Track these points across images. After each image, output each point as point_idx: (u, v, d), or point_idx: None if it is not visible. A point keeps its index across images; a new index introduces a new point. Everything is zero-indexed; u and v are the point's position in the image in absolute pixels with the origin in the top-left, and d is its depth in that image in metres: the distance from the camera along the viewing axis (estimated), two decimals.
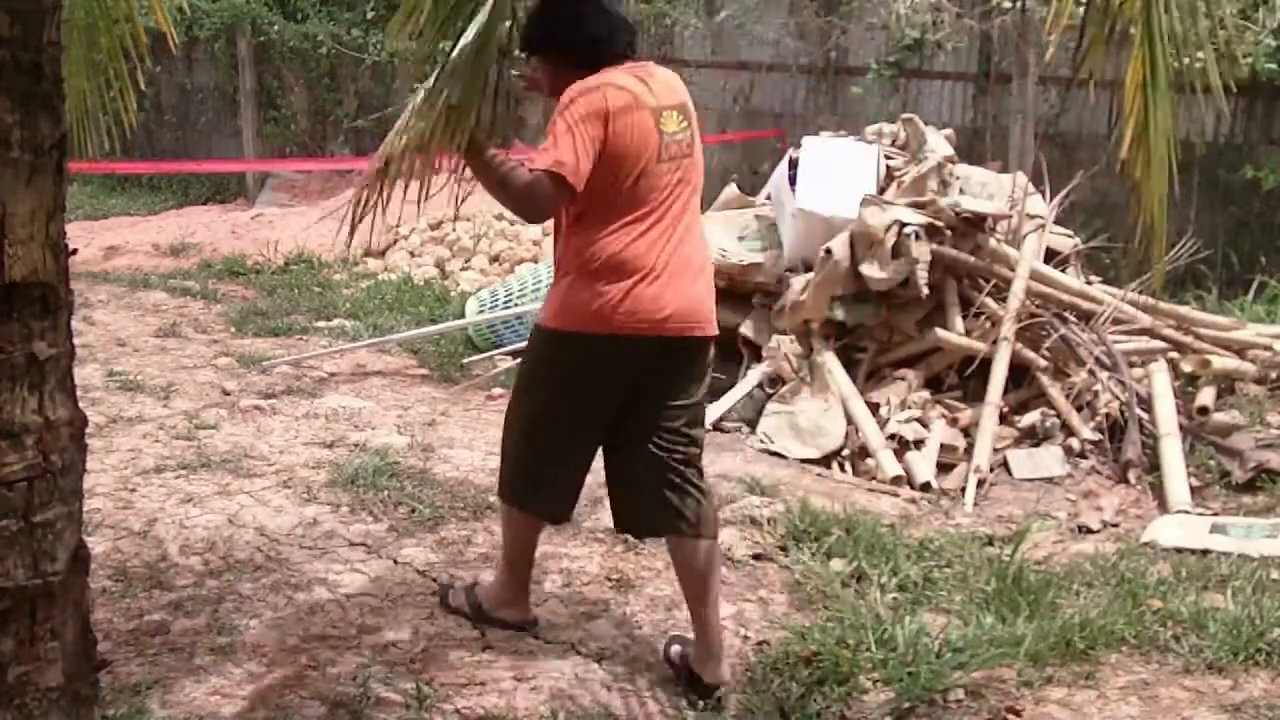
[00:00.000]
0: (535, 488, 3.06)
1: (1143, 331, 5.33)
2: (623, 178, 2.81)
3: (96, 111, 3.51)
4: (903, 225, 4.92)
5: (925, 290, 4.91)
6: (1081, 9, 2.45)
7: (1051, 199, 5.96)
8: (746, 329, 5.51)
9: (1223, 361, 5.20)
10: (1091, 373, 4.92)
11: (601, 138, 2.76)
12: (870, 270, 4.96)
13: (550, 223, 3.08)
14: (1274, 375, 5.22)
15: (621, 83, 2.83)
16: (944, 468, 4.66)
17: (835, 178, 5.49)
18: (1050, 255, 5.62)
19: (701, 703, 2.90)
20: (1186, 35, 2.35)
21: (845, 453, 4.79)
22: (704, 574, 2.98)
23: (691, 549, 2.96)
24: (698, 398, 3.03)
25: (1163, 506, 4.31)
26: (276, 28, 10.81)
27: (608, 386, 2.94)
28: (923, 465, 4.58)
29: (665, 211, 2.88)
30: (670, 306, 2.86)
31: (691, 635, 3.05)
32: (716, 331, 3.03)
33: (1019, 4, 7.49)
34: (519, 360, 3.11)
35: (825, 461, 4.77)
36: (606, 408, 2.97)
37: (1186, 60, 2.34)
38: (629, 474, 3.01)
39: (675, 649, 3.08)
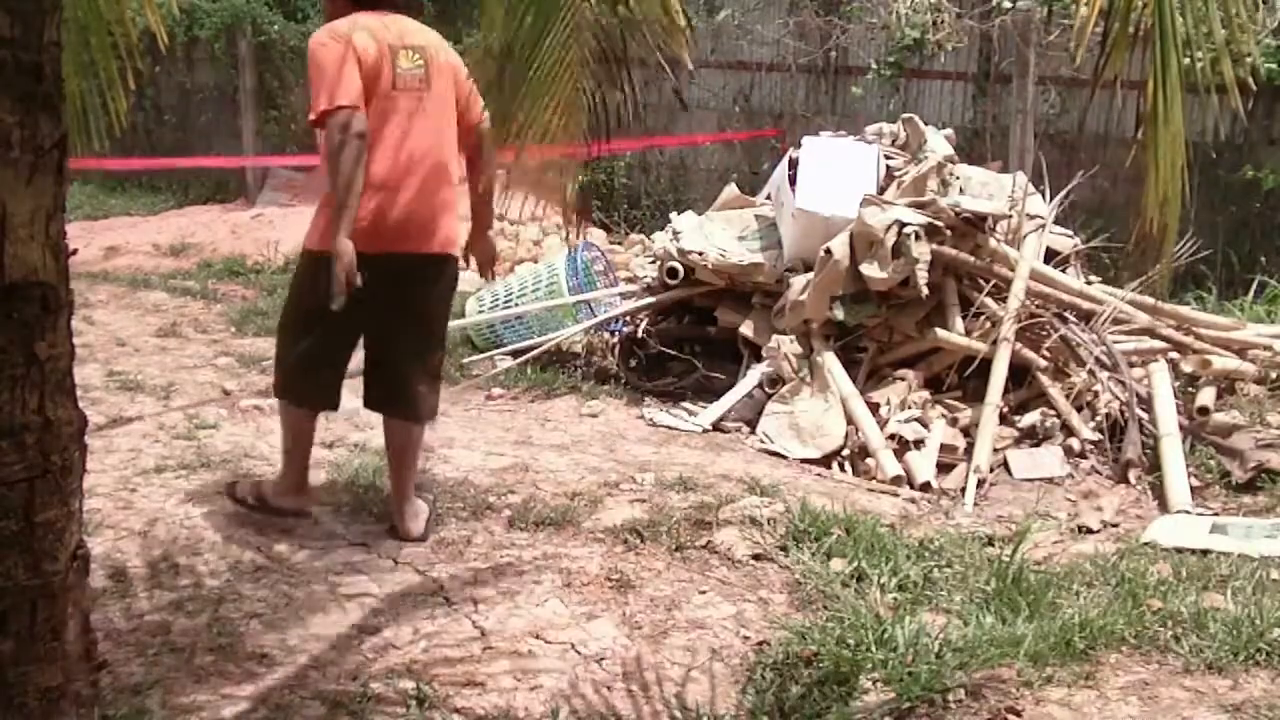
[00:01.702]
0: (309, 386, 3.67)
1: (1143, 331, 5.33)
2: (366, 103, 3.36)
3: (89, 112, 3.50)
4: (903, 225, 4.92)
5: (925, 290, 4.90)
6: (1093, 11, 2.44)
7: (1051, 199, 5.96)
8: (746, 329, 5.51)
9: (1223, 361, 5.19)
10: (1091, 373, 4.92)
11: (356, 70, 3.34)
12: (870, 270, 4.96)
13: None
14: (1274, 375, 5.22)
15: (365, 23, 3.45)
16: (944, 468, 4.66)
17: (835, 178, 5.49)
18: (1050, 255, 5.62)
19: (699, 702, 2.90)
20: (1204, 37, 2.33)
21: (845, 453, 4.79)
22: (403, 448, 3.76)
23: (403, 429, 3.73)
24: (435, 304, 3.70)
25: (1163, 506, 4.30)
26: (277, 27, 10.79)
27: (357, 294, 3.38)
28: (923, 465, 4.58)
29: (402, 139, 3.42)
30: (405, 226, 3.45)
31: None
32: (455, 252, 3.67)
33: (1018, 3, 7.49)
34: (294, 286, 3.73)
35: (825, 461, 4.77)
36: (358, 313, 3.44)
37: (1199, 61, 2.33)
38: (383, 368, 3.70)
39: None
